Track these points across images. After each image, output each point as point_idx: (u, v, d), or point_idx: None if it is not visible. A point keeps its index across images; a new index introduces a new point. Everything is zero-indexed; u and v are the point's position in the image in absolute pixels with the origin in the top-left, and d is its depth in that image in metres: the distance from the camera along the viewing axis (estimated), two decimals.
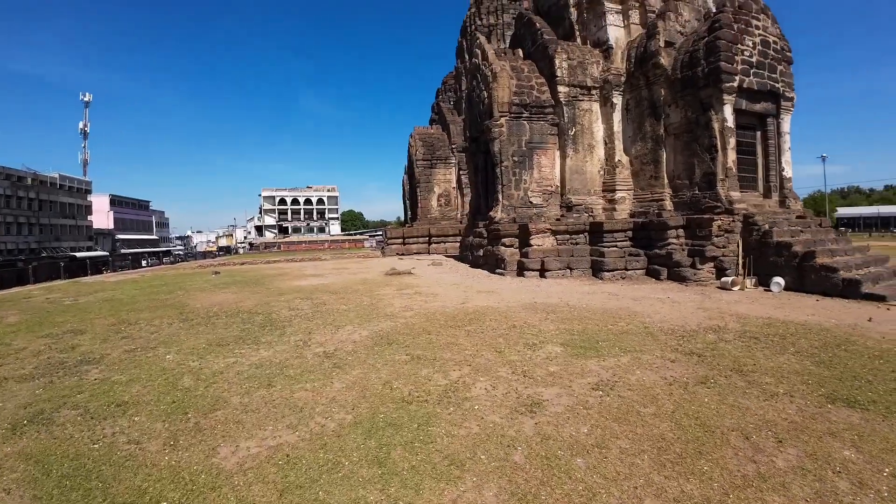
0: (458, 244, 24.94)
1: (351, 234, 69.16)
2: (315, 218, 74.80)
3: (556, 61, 14.52)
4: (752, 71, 12.99)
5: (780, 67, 13.73)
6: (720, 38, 12.60)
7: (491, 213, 14.82)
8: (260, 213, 74.19)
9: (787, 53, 13.94)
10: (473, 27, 26.28)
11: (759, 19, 13.41)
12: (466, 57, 27.41)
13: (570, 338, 6.35)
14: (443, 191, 26.37)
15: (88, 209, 57.32)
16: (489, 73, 14.77)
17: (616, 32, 15.15)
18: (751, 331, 6.57)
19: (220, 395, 4.49)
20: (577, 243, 13.85)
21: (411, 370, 5.06)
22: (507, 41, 26.38)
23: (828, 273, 9.70)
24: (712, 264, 12.16)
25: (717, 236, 12.29)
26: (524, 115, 14.68)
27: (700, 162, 13.38)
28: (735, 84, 12.70)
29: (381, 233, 69.00)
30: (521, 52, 16.12)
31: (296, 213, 74.13)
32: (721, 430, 3.51)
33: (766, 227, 12.01)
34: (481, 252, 15.40)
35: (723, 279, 11.48)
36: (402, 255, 24.46)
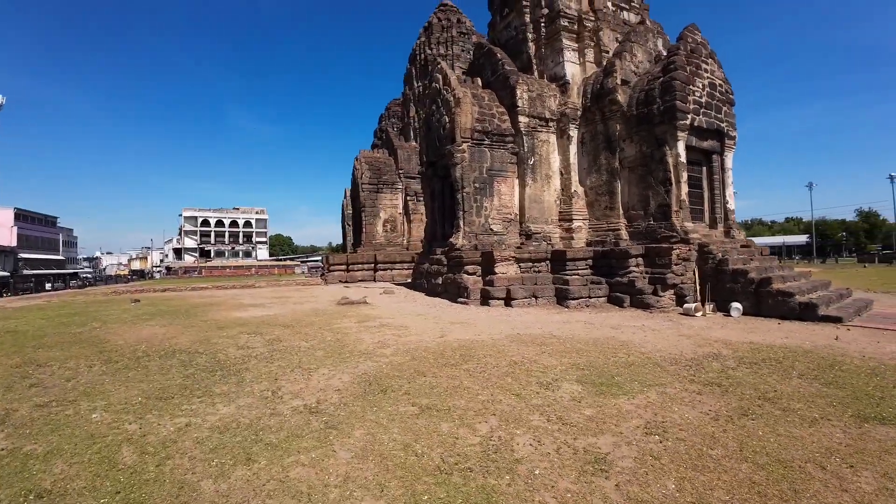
0: (406, 271, 24.07)
1: (280, 260, 65.11)
2: (241, 241, 69.48)
3: (518, 92, 14.65)
4: (701, 110, 13.92)
5: (724, 108, 14.89)
6: (675, 79, 13.42)
7: (451, 240, 14.27)
8: (180, 234, 67.38)
9: (731, 96, 15.20)
10: (423, 56, 26.37)
11: (707, 63, 14.53)
12: (415, 84, 27.38)
13: (581, 373, 5.83)
14: (389, 216, 25.50)
15: None
16: (451, 98, 14.51)
17: (572, 69, 15.72)
18: (745, 356, 6.56)
19: (182, 477, 3.28)
20: (539, 271, 13.68)
21: (428, 426, 4.17)
22: (457, 71, 26.79)
23: (785, 298, 10.24)
24: (672, 291, 12.52)
25: (675, 265, 12.71)
26: (485, 143, 14.53)
27: (655, 194, 13.97)
28: (688, 122, 13.53)
29: (316, 258, 65.74)
30: (479, 80, 16.14)
31: (220, 235, 68.34)
32: (797, 464, 3.33)
33: (721, 255, 12.74)
34: (440, 280, 14.71)
35: (685, 306, 11.80)
36: (347, 282, 23.00)
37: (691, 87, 13.83)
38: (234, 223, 70.53)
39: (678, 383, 5.37)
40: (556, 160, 15.56)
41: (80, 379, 5.91)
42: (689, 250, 13.09)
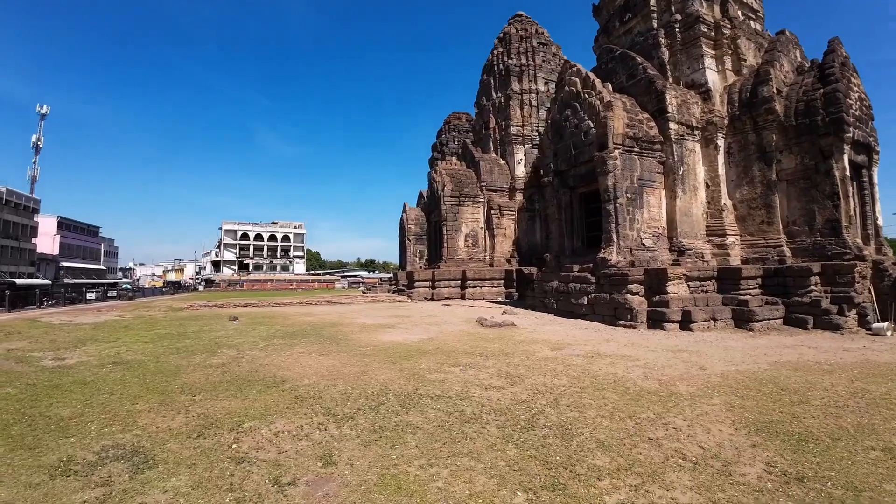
0: (496, 289, 22.99)
1: (318, 274, 63.91)
2: (279, 255, 68.22)
3: (667, 97, 13.76)
4: (857, 124, 13.14)
5: (870, 123, 14.13)
6: (838, 91, 12.69)
7: (603, 255, 13.19)
8: (219, 246, 66.06)
9: (871, 111, 14.40)
10: (503, 66, 25.68)
11: (855, 76, 13.81)
12: (494, 94, 26.65)
13: None
14: (470, 230, 24.43)
15: (34, 231, 47.98)
16: (598, 102, 13.61)
17: (713, 76, 14.86)
18: None
19: None
20: (706, 290, 12.58)
21: None
22: (540, 82, 26.10)
23: None
24: (855, 311, 11.55)
25: (857, 283, 11.76)
26: (635, 150, 13.57)
27: (821, 209, 12.96)
28: (851, 135, 12.73)
29: (354, 273, 64.74)
30: (609, 86, 15.25)
31: (258, 249, 67.03)
32: None
33: None
34: (584, 300, 13.58)
35: (875, 325, 11.11)
36: (434, 299, 21.88)
37: (848, 100, 13.02)
38: (272, 237, 69.29)
39: None
40: (701, 171, 14.57)
41: (366, 462, 3.88)
42: (867, 268, 12.21)
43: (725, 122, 14.43)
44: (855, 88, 13.80)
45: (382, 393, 6.11)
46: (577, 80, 14.65)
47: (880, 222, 14.60)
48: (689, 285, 12.26)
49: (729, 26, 15.16)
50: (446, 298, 21.97)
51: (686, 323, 11.40)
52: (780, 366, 7.55)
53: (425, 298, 22.07)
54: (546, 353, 9.02)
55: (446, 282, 22.56)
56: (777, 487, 3.46)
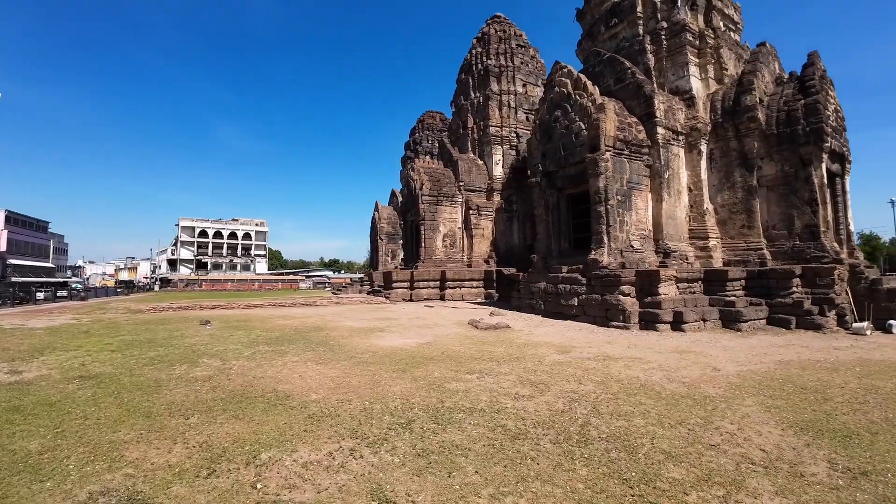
0: (476, 290, 22.74)
1: (282, 274, 61.30)
2: (239, 254, 64.72)
3: (656, 102, 13.98)
4: (834, 134, 13.82)
5: (843, 133, 14.90)
6: (818, 102, 13.27)
7: (594, 257, 13.18)
8: (175, 244, 61.83)
9: (844, 122, 15.23)
10: (482, 66, 25.51)
11: (832, 89, 14.51)
12: (473, 94, 26.42)
13: None
14: (448, 231, 24.02)
15: None
16: (590, 103, 13.62)
17: (696, 83, 15.26)
18: None
19: None
20: (694, 292, 12.82)
21: None
22: (518, 84, 26.13)
23: None
24: (835, 312, 12.12)
25: (836, 285, 12.34)
26: (625, 153, 13.67)
27: (800, 214, 13.54)
28: (829, 145, 13.36)
29: (319, 273, 62.73)
30: (597, 89, 15.36)
31: (218, 247, 63.22)
32: None
33: (871, 275, 12.80)
34: (575, 301, 13.52)
35: (855, 325, 11.68)
36: (413, 300, 21.32)
37: (827, 111, 13.71)
38: (232, 235, 65.74)
39: None
40: (684, 175, 14.91)
41: (428, 497, 3.24)
42: (845, 270, 12.85)
43: (708, 128, 14.86)
44: (832, 100, 14.51)
45: (407, 408, 5.47)
46: (568, 81, 14.64)
47: (852, 227, 15.45)
48: (678, 286, 12.46)
49: (712, 36, 15.65)
50: (426, 299, 21.50)
51: (678, 323, 11.52)
52: (786, 365, 7.69)
53: (403, 299, 21.49)
54: (555, 356, 8.76)
55: (425, 282, 22.07)
56: (849, 484, 3.47)
